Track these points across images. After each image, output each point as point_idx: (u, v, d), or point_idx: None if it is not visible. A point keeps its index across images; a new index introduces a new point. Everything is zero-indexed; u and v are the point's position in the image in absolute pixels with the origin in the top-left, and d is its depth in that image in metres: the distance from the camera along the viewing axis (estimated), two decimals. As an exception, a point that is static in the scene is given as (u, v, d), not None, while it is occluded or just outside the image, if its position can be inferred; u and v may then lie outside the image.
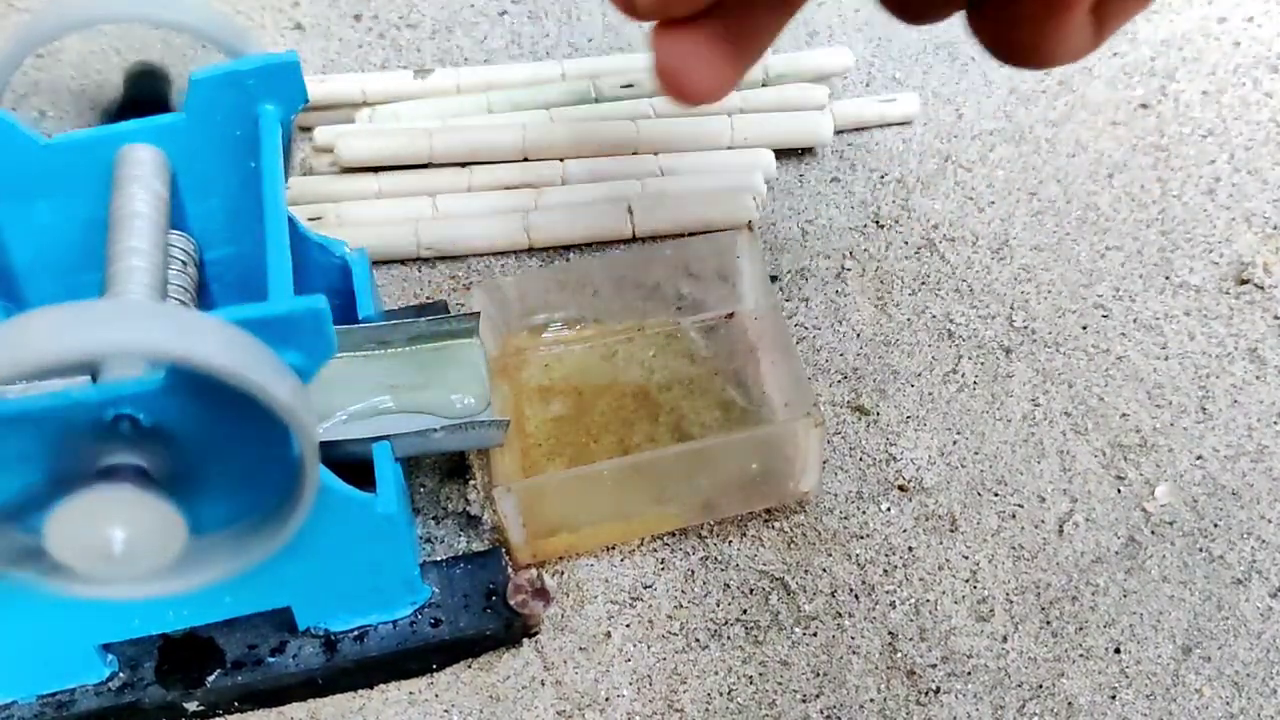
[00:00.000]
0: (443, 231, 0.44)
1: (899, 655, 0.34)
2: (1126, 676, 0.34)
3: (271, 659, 0.33)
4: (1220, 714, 0.33)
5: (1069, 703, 0.33)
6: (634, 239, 0.45)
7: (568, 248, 0.45)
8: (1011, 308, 0.43)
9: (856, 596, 0.36)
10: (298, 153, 0.48)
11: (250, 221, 0.33)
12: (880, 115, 0.49)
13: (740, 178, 0.46)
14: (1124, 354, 0.41)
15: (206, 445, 0.27)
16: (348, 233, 0.44)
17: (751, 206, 0.45)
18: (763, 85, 0.49)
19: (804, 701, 0.34)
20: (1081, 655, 0.34)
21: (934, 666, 0.34)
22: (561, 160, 0.47)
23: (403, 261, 0.45)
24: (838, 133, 0.48)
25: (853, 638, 0.35)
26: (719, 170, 0.46)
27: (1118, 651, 0.34)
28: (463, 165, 0.47)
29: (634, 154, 0.47)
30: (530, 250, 0.45)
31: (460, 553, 0.36)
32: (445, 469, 0.38)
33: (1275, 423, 0.39)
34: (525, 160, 0.47)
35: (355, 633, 0.34)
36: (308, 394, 0.26)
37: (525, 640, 0.35)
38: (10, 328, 0.23)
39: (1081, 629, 0.35)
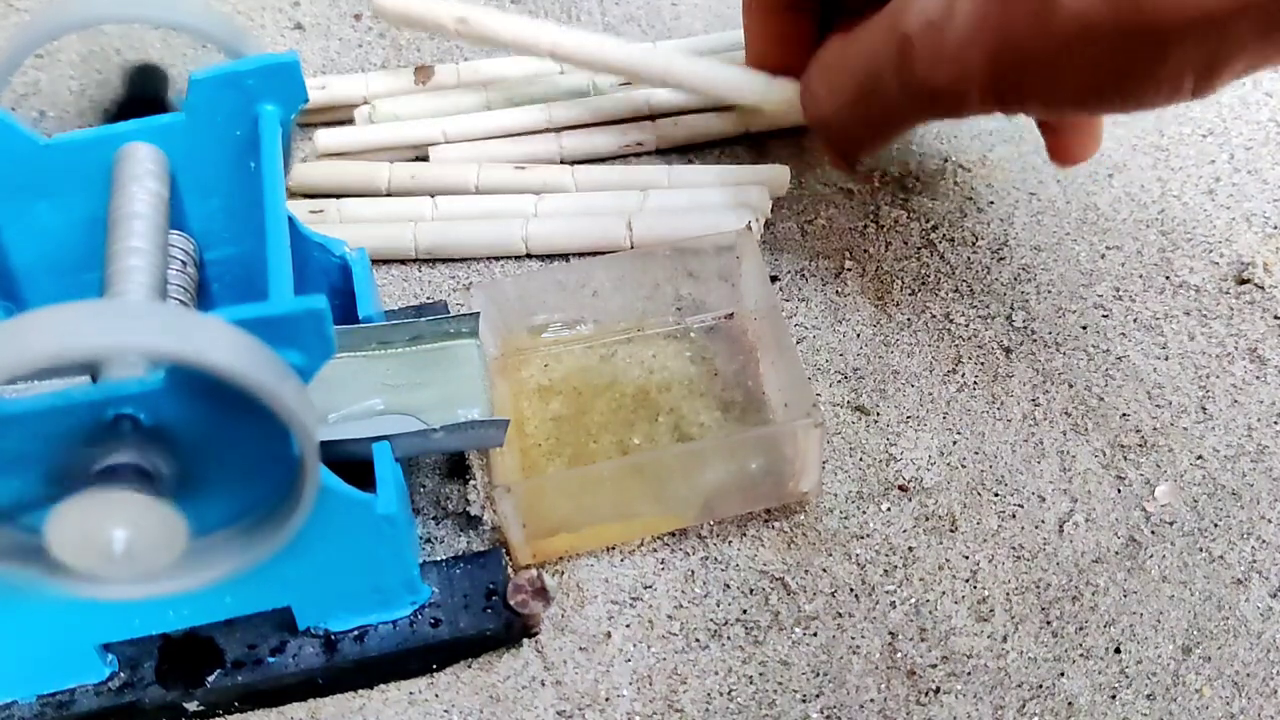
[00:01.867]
0: (441, 235, 0.44)
1: (899, 655, 0.34)
2: (1126, 676, 0.34)
3: (271, 659, 0.33)
4: (1220, 714, 0.33)
5: (1069, 703, 0.33)
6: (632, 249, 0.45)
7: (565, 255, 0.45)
8: (1011, 308, 0.43)
9: (856, 596, 0.36)
10: (298, 153, 0.48)
11: (250, 221, 0.33)
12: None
13: (743, 193, 0.45)
14: (1124, 354, 0.41)
15: (207, 445, 0.27)
16: (349, 230, 0.44)
17: (753, 225, 0.44)
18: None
19: (804, 701, 0.34)
20: (1081, 655, 0.34)
21: (934, 666, 0.34)
22: (571, 165, 0.47)
23: (403, 261, 0.45)
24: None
25: (853, 638, 0.35)
26: (723, 184, 0.46)
27: (1118, 651, 0.34)
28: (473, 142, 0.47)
29: (637, 148, 0.47)
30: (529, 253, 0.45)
31: (460, 553, 0.36)
32: (445, 469, 0.38)
33: (1275, 423, 0.39)
34: (539, 132, 0.47)
35: (355, 633, 0.34)
36: (308, 394, 0.26)
37: (525, 640, 0.35)
38: (10, 327, 0.23)
39: (1081, 629, 0.35)
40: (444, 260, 0.45)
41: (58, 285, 0.36)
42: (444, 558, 0.36)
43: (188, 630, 0.33)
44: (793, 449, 0.36)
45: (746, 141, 0.49)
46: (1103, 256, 0.45)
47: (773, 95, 0.44)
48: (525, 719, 0.34)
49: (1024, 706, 0.33)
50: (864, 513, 0.38)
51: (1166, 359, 0.41)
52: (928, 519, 0.37)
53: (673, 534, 0.37)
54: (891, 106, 0.38)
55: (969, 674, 0.34)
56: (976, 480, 0.38)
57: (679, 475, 0.36)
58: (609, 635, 0.35)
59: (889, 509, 0.38)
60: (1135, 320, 0.42)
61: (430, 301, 0.43)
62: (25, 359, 0.22)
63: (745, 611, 0.35)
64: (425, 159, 0.47)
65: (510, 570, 0.35)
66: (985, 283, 0.44)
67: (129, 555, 0.25)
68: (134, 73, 0.50)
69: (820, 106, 0.40)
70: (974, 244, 0.45)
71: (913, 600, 0.36)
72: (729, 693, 0.34)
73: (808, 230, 0.46)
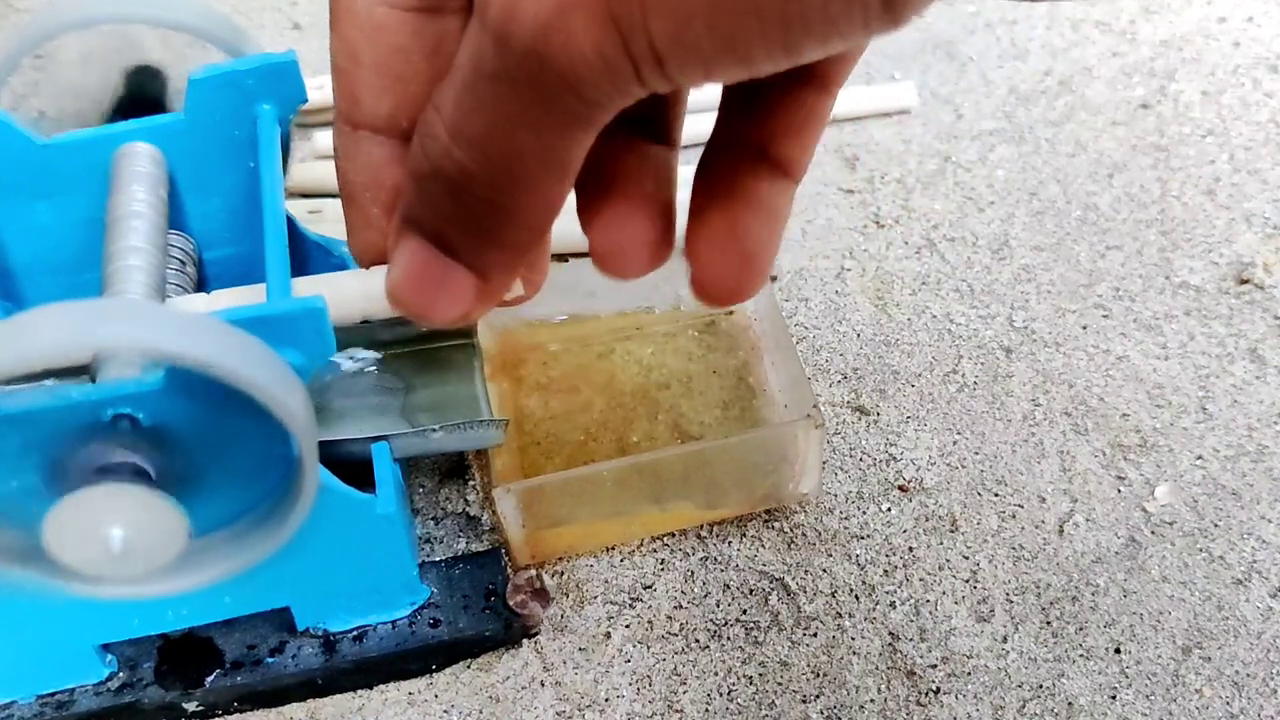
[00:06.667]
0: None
1: (899, 655, 0.34)
2: (1126, 676, 0.34)
3: (271, 659, 0.33)
4: (1220, 714, 0.33)
5: (1069, 703, 0.33)
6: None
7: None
8: (1011, 308, 0.43)
9: (856, 596, 0.36)
10: (296, 153, 0.48)
11: (249, 221, 0.33)
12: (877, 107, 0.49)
13: None
14: (1124, 354, 0.41)
15: (206, 445, 0.27)
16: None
17: None
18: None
19: (804, 702, 0.34)
20: (1081, 655, 0.34)
21: (934, 666, 0.34)
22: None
23: (402, 261, 0.45)
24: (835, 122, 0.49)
25: (853, 638, 0.35)
26: None
27: (1118, 651, 0.34)
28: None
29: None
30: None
31: (460, 553, 0.36)
32: (445, 469, 0.38)
33: (1275, 423, 0.39)
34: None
35: (354, 633, 0.34)
36: (307, 393, 0.26)
37: (525, 641, 0.35)
38: (8, 326, 0.23)
39: (1081, 629, 0.35)
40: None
41: (57, 285, 0.36)
42: (443, 558, 0.36)
43: (187, 630, 0.33)
44: (793, 449, 0.36)
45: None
46: (1103, 256, 0.45)
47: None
48: (525, 719, 0.33)
49: (1024, 707, 0.33)
50: (864, 513, 0.37)
51: (1166, 359, 0.41)
52: (928, 519, 0.37)
53: (673, 534, 0.37)
54: (505, 104, 0.20)
55: (969, 674, 0.34)
56: (976, 480, 0.38)
57: (679, 475, 0.36)
58: (609, 636, 0.35)
59: (889, 509, 0.38)
60: (1135, 320, 0.42)
61: (430, 301, 0.43)
62: (23, 357, 0.22)
63: (745, 612, 0.35)
64: (425, 159, 0.47)
65: (509, 571, 0.35)
66: (985, 283, 0.44)
67: (128, 555, 0.25)
68: (134, 73, 0.50)
69: (440, 142, 0.22)
70: (974, 244, 0.45)
71: (913, 600, 0.36)
72: (729, 693, 0.34)
73: (808, 230, 0.46)
